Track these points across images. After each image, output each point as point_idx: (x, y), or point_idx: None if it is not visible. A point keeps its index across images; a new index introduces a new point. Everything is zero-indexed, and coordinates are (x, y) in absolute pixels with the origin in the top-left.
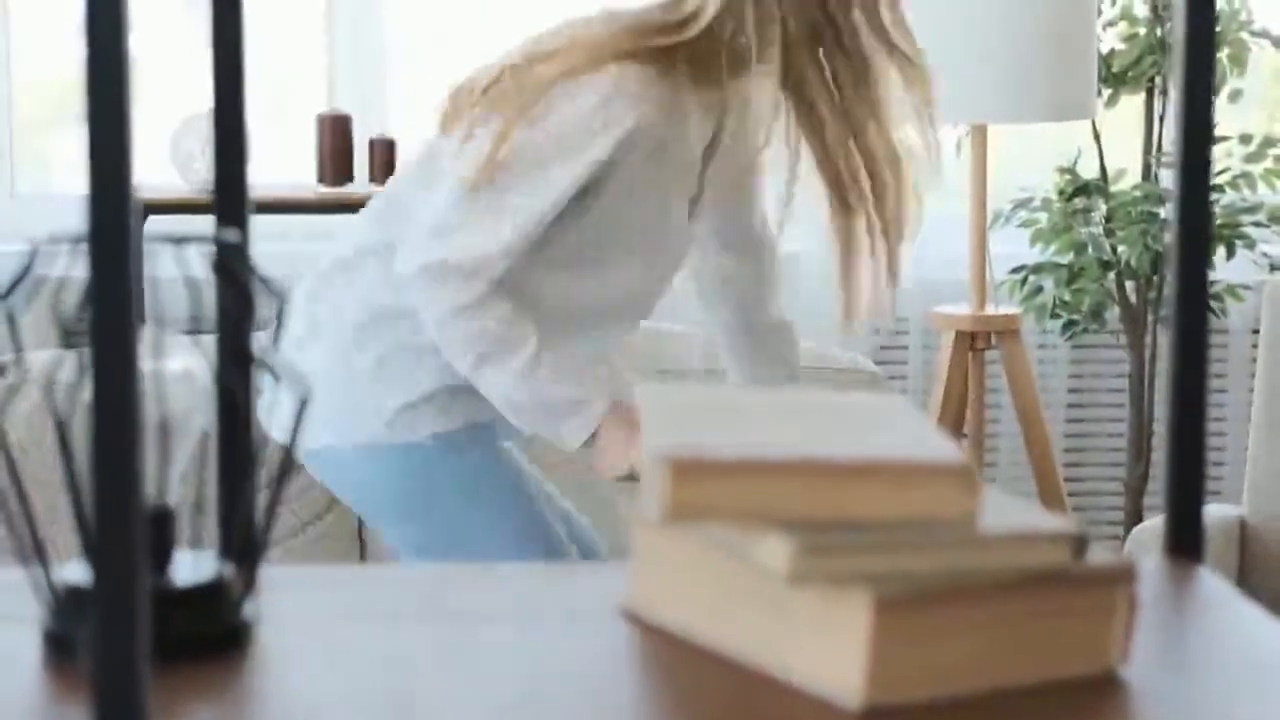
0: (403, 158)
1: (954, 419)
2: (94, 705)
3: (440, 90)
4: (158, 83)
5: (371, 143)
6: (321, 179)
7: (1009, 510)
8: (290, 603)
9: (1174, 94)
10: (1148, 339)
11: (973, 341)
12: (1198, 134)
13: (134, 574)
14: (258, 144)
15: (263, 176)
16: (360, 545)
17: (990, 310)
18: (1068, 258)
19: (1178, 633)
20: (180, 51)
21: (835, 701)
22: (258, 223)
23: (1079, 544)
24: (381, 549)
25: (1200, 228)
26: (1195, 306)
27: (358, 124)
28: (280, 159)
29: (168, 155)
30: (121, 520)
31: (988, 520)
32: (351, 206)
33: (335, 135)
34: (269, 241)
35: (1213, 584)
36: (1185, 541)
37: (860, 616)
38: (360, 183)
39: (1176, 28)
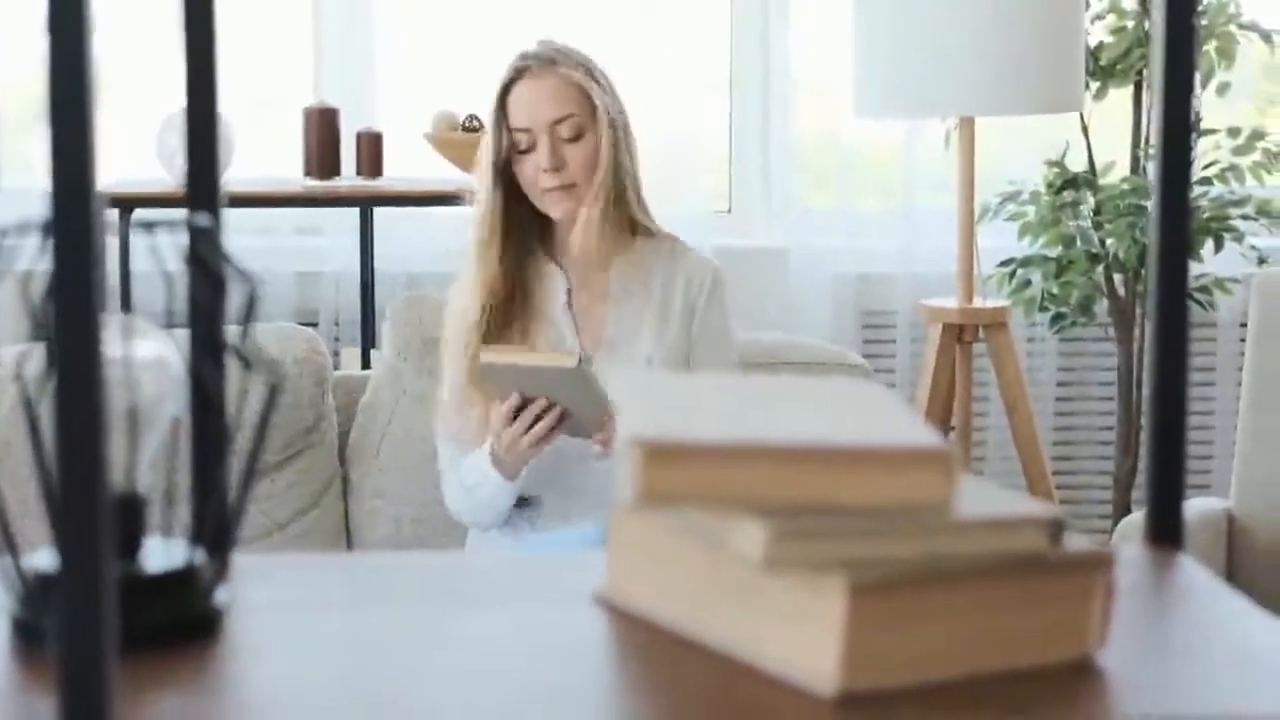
0: (390, 151)
1: (942, 412)
2: (60, 692)
3: (427, 83)
4: (146, 80)
5: (359, 136)
6: (308, 172)
7: (987, 496)
8: (263, 590)
9: (1155, 85)
10: (1136, 332)
11: (960, 334)
12: (1177, 124)
13: (99, 560)
14: (244, 137)
15: (249, 170)
16: (347, 538)
17: (978, 303)
18: (1056, 251)
19: (1157, 620)
20: (167, 47)
21: (810, 688)
22: (244, 216)
23: (1056, 529)
24: (370, 543)
25: (1181, 219)
26: (1176, 294)
27: (345, 117)
28: (267, 152)
29: (153, 150)
30: (87, 506)
31: (966, 506)
32: (338, 200)
33: (322, 128)
34: (255, 235)
35: (1193, 572)
36: (1166, 529)
37: (835, 602)
38: (347, 176)
39: (1155, 19)
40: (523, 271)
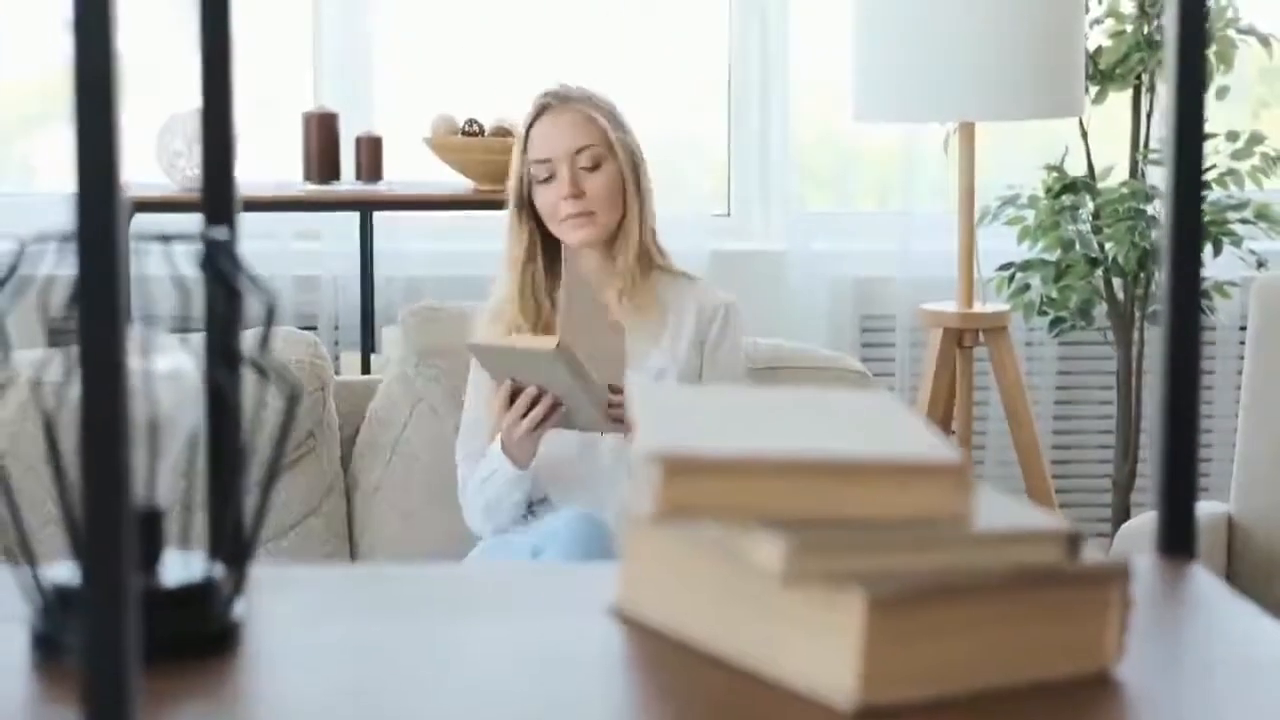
0: (389, 155)
1: (941, 416)
2: (83, 706)
3: (426, 86)
4: (142, 80)
5: (358, 140)
6: (308, 177)
7: (1003, 509)
8: (280, 602)
9: (1164, 89)
10: (1135, 336)
11: (960, 338)
12: (1190, 129)
13: (123, 575)
14: (244, 142)
15: (249, 174)
16: (350, 543)
17: (978, 307)
18: (1055, 255)
19: (1172, 631)
20: (166, 48)
21: (828, 702)
22: (244, 220)
23: (1073, 543)
24: (374, 548)
25: (1192, 224)
26: (1187, 303)
27: (344, 121)
28: (267, 157)
29: (153, 153)
30: (111, 521)
31: (983, 519)
32: (337, 204)
33: (321, 133)
34: (255, 240)
35: (1205, 581)
36: (1177, 539)
37: (853, 616)
38: (347, 180)
39: (1168, 24)
40: (551, 294)
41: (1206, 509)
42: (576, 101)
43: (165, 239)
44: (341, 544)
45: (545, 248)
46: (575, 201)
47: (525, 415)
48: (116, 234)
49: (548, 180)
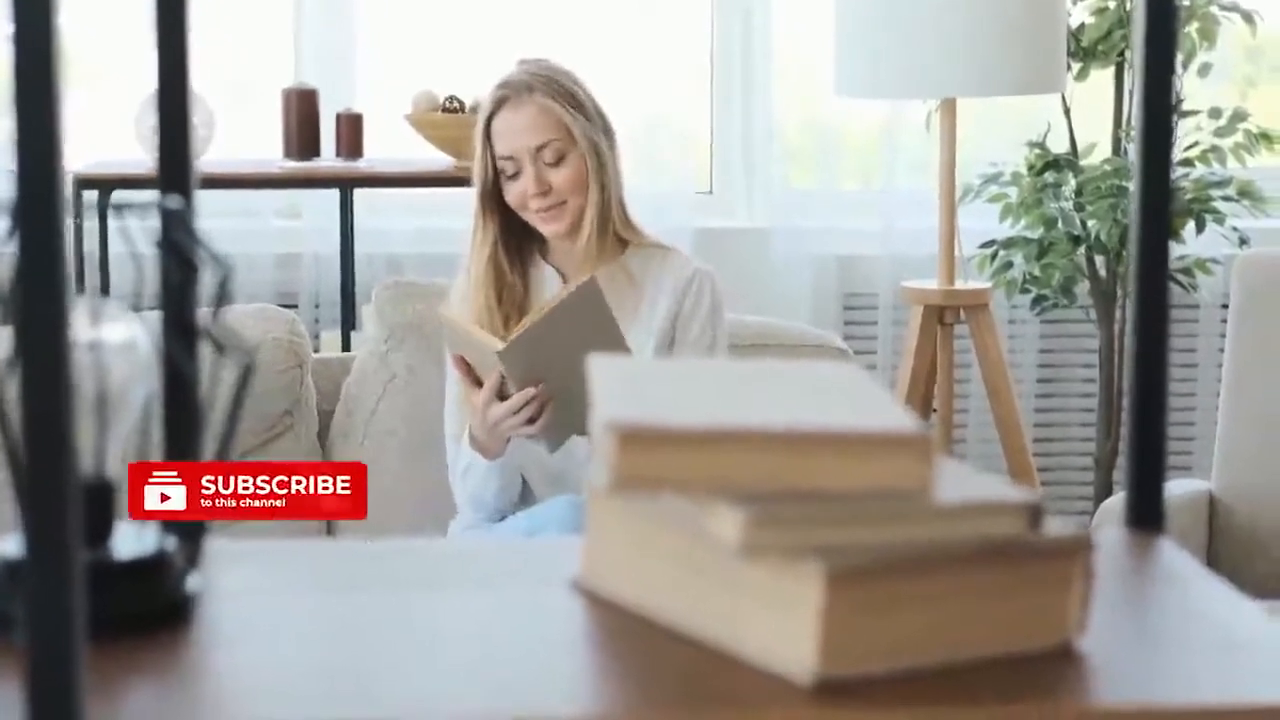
0: (370, 132)
1: (923, 394)
2: (28, 680)
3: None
4: (129, 62)
5: (338, 117)
6: (288, 154)
7: (965, 481)
8: (235, 576)
9: (1136, 65)
10: (1117, 314)
11: (942, 316)
12: (1158, 105)
13: (67, 546)
14: (224, 119)
15: (229, 152)
16: (328, 522)
17: (960, 285)
18: (1037, 232)
19: (1137, 605)
20: (152, 31)
21: (788, 674)
22: (224, 198)
23: (1035, 514)
24: (350, 526)
25: (1161, 201)
26: (1156, 279)
27: (324, 98)
28: (246, 134)
29: (133, 133)
30: (54, 492)
31: (944, 491)
32: (318, 181)
33: (302, 110)
34: (235, 217)
35: (1173, 555)
36: (1146, 513)
37: (813, 589)
38: (327, 157)
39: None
40: (524, 277)
41: (1189, 486)
42: (534, 91)
43: (119, 208)
44: (320, 522)
45: (513, 231)
46: (543, 198)
47: (516, 413)
48: (57, 207)
49: (515, 176)
